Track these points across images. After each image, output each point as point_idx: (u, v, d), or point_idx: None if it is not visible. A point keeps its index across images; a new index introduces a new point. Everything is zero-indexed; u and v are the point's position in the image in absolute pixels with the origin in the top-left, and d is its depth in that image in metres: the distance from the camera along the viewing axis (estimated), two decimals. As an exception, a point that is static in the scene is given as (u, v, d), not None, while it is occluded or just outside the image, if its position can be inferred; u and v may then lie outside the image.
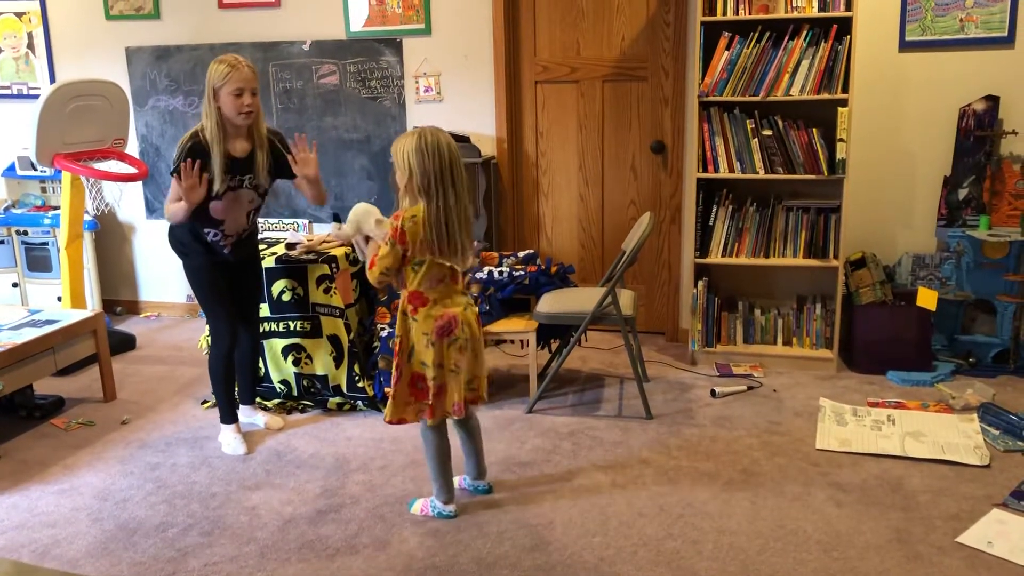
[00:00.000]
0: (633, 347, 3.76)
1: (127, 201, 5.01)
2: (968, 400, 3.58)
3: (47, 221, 4.92)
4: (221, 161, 3.13)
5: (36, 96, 4.82)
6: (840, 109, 3.81)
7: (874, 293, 4.09)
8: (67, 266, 4.29)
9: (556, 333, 4.04)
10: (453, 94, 4.68)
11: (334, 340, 3.75)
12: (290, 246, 3.94)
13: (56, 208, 4.97)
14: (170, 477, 3.21)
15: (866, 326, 4.05)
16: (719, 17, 3.93)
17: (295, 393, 3.86)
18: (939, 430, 3.36)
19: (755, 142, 3.99)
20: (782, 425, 3.50)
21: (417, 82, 4.70)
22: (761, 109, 3.98)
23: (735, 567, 2.53)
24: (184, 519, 2.89)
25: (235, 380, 3.52)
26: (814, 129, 3.90)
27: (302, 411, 3.80)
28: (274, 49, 4.84)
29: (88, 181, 4.40)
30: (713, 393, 3.83)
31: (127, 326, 5.13)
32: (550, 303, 3.73)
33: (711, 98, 3.98)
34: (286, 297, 3.76)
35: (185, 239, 3.30)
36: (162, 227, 4.00)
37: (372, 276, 2.71)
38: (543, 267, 4.03)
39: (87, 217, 4.69)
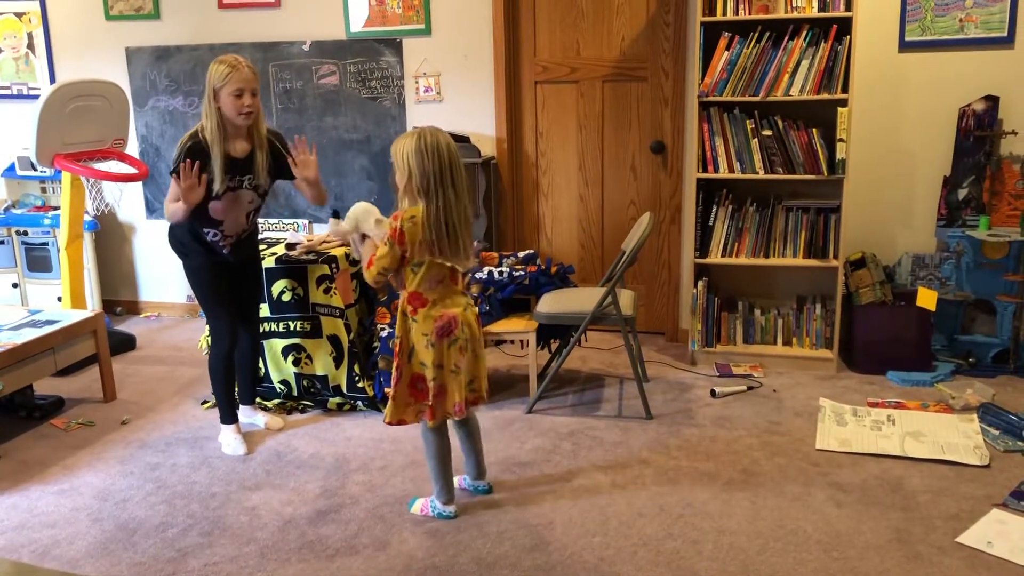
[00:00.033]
0: (633, 347, 3.76)
1: (127, 201, 5.01)
2: (968, 400, 3.59)
3: (47, 221, 4.92)
4: (221, 161, 3.13)
5: (36, 96, 4.82)
6: (840, 109, 3.81)
7: (874, 293, 4.09)
8: (67, 266, 4.29)
9: (556, 333, 4.04)
10: (453, 94, 4.68)
11: (334, 340, 3.75)
12: (290, 246, 3.94)
13: (56, 208, 4.97)
14: (170, 477, 3.21)
15: (866, 326, 4.06)
16: (719, 17, 3.93)
17: (295, 393, 3.86)
18: (939, 430, 3.37)
19: (755, 142, 3.99)
20: (782, 425, 3.50)
21: (417, 82, 4.70)
22: (761, 109, 3.98)
23: (735, 567, 2.53)
24: (184, 519, 2.89)
25: (235, 380, 3.52)
26: (814, 129, 3.90)
27: (302, 411, 3.80)
28: (274, 49, 4.84)
29: (88, 181, 4.40)
30: (713, 393, 3.83)
31: (127, 326, 5.13)
32: (550, 303, 3.73)
33: (711, 98, 3.98)
34: (286, 297, 3.76)
35: (185, 239, 3.30)
36: (162, 227, 4.00)
37: (369, 276, 2.71)
38: (543, 267, 4.03)
39: (87, 217, 4.69)
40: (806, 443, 3.33)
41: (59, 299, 4.66)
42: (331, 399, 3.79)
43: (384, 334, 3.74)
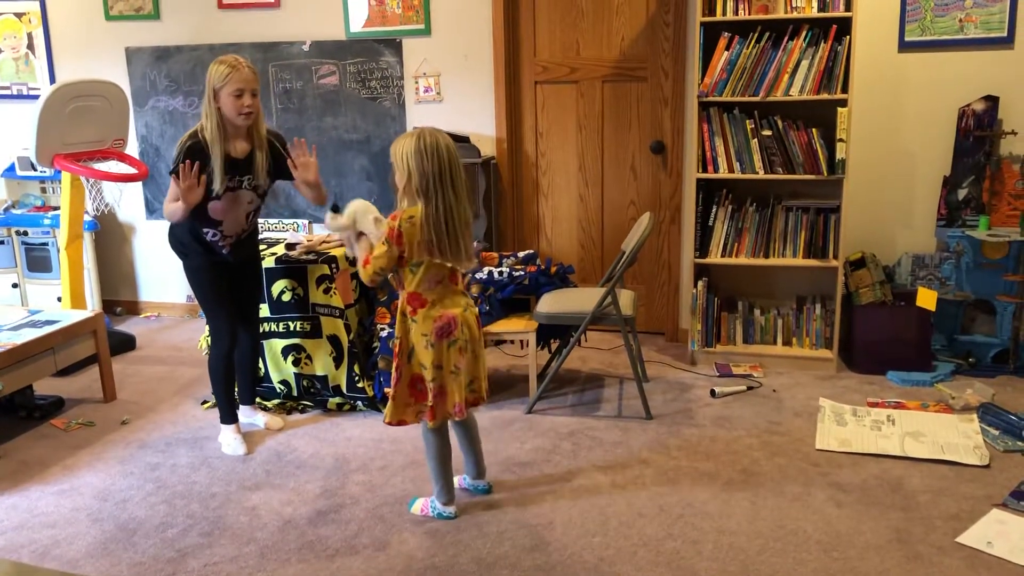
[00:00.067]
0: (633, 347, 3.76)
1: (127, 201, 5.01)
2: (968, 400, 3.59)
3: (47, 221, 4.92)
4: (221, 162, 3.13)
5: (36, 96, 4.82)
6: (840, 109, 3.81)
7: (874, 293, 4.09)
8: (67, 266, 4.29)
9: (556, 333, 4.04)
10: (453, 94, 4.68)
11: (334, 340, 3.75)
12: (290, 246, 3.94)
13: (56, 208, 4.97)
14: (170, 477, 3.21)
15: (866, 326, 4.06)
16: (719, 17, 3.93)
17: (295, 393, 3.86)
18: (939, 430, 3.37)
19: (755, 142, 3.99)
20: (782, 425, 3.50)
21: (417, 82, 4.70)
22: (761, 109, 3.98)
23: (735, 567, 2.53)
24: (184, 519, 2.89)
25: (235, 380, 3.52)
26: (814, 129, 3.90)
27: (302, 411, 3.80)
28: (274, 49, 4.84)
29: (88, 181, 4.40)
30: (713, 393, 3.83)
31: (127, 326, 5.13)
32: (550, 303, 3.73)
33: (711, 98, 3.98)
34: (286, 297, 3.76)
35: (185, 239, 3.30)
36: (162, 227, 4.00)
37: (365, 275, 2.71)
38: (543, 267, 4.03)
39: (87, 217, 4.69)
40: (806, 443, 3.33)
41: (59, 299, 4.66)
42: (331, 399, 3.79)
43: (384, 334, 3.74)
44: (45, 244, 5.02)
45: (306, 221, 5.03)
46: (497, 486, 3.05)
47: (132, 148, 4.87)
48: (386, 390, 3.53)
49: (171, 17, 4.97)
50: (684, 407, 3.72)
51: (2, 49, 5.26)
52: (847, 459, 3.19)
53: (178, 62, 5.00)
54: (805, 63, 3.85)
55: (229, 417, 3.46)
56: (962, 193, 4.07)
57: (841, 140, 3.83)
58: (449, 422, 2.86)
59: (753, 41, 3.89)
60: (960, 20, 3.99)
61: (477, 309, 2.83)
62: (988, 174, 4.04)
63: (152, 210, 5.26)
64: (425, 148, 2.56)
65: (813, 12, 3.81)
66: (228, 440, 3.43)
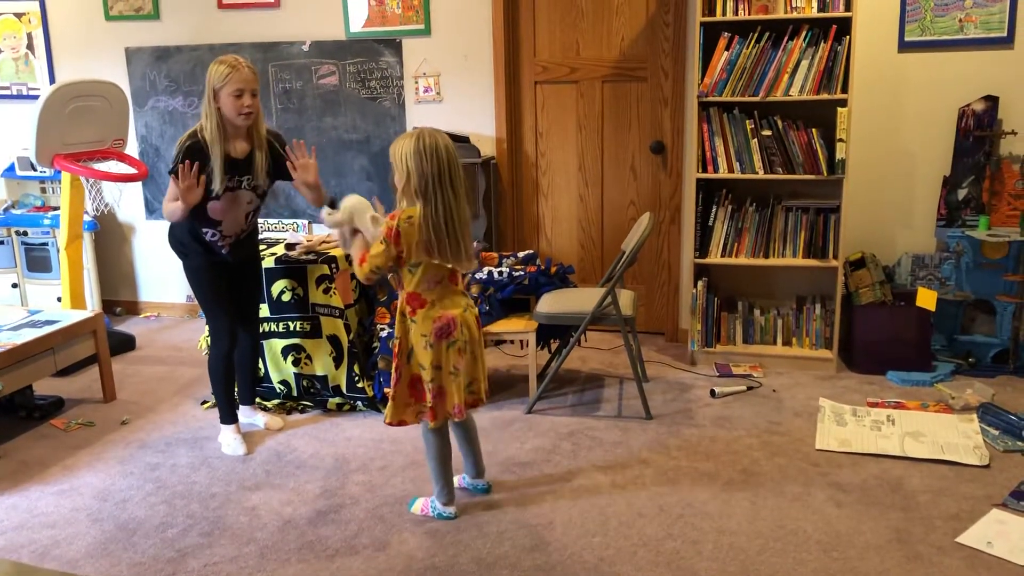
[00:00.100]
0: (633, 347, 3.76)
1: (127, 202, 5.01)
2: (968, 400, 3.59)
3: (47, 221, 4.92)
4: (221, 162, 3.13)
5: (36, 97, 4.82)
6: (839, 109, 3.81)
7: (874, 293, 4.09)
8: (67, 266, 4.29)
9: (556, 333, 4.04)
10: (453, 94, 4.68)
11: (334, 340, 3.75)
12: (290, 246, 3.94)
13: (56, 208, 4.97)
14: (170, 477, 3.21)
15: (866, 326, 4.06)
16: (718, 17, 3.93)
17: (295, 393, 3.86)
18: (939, 430, 3.37)
19: (754, 142, 3.99)
20: (782, 425, 3.50)
21: (417, 82, 4.70)
22: (760, 109, 3.98)
23: (735, 567, 2.53)
24: (184, 519, 2.89)
25: (235, 380, 3.52)
26: (813, 129, 3.90)
27: (302, 411, 3.80)
28: (274, 49, 4.84)
29: (88, 181, 4.40)
30: (713, 393, 3.83)
31: (127, 326, 5.13)
32: (550, 303, 3.73)
33: (711, 98, 3.98)
34: (286, 297, 3.76)
35: (185, 239, 3.30)
36: (162, 227, 4.00)
37: (361, 273, 2.71)
38: (543, 267, 4.03)
39: (87, 217, 4.69)
40: (806, 443, 3.33)
41: (59, 299, 4.66)
42: (331, 399, 3.79)
43: (384, 334, 3.74)
44: (45, 244, 5.02)
45: (306, 221, 5.03)
46: (497, 486, 3.05)
47: (132, 148, 4.87)
48: (386, 390, 3.53)
49: (171, 17, 4.97)
50: (684, 407, 3.72)
51: (2, 49, 5.26)
52: (847, 459, 3.18)
53: (178, 62, 5.00)
54: (805, 63, 3.85)
55: (229, 417, 3.46)
56: (962, 193, 4.07)
57: (841, 140, 3.83)
58: (449, 423, 2.86)
59: (753, 41, 3.89)
60: (960, 20, 4.00)
61: (477, 310, 2.82)
62: (988, 174, 4.04)
63: (152, 210, 5.26)
64: (424, 149, 2.56)
65: (813, 12, 3.81)
66: (228, 440, 3.43)
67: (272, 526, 2.84)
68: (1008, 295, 3.95)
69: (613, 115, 4.55)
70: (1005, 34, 3.95)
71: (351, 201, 2.80)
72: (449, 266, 2.67)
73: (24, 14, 5.18)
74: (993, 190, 4.06)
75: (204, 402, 3.88)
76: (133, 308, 5.47)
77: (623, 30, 4.45)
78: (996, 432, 3.33)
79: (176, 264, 3.50)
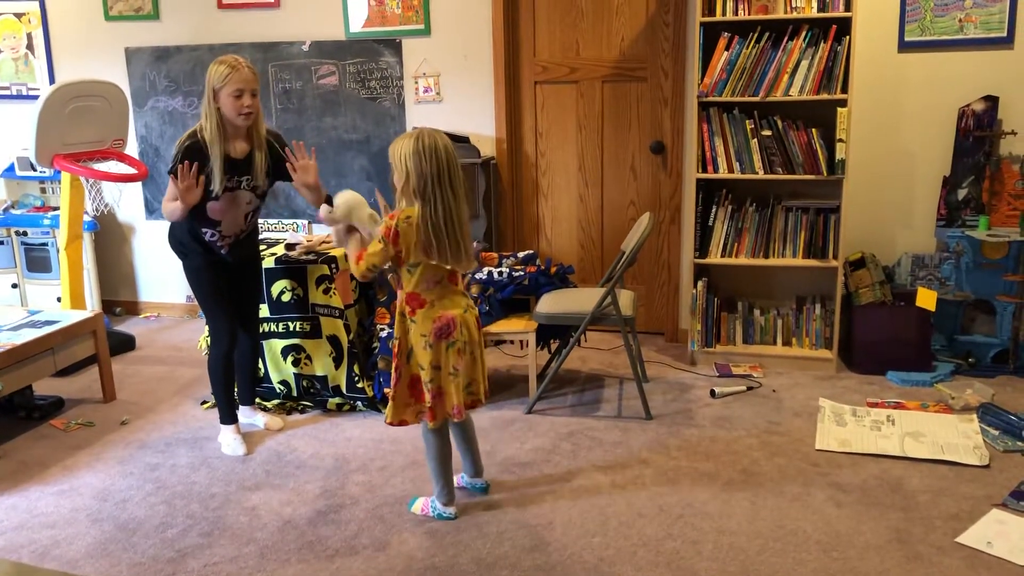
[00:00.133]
0: (633, 347, 3.76)
1: (126, 202, 5.01)
2: (967, 400, 3.59)
3: (46, 222, 4.92)
4: (220, 162, 3.12)
5: (36, 97, 4.82)
6: (839, 109, 3.81)
7: (873, 293, 4.09)
8: (66, 267, 4.29)
9: (556, 333, 4.04)
10: (452, 94, 4.68)
11: (334, 341, 3.75)
12: (290, 247, 3.94)
13: (55, 209, 4.97)
14: (170, 478, 3.20)
15: (865, 326, 4.06)
16: (718, 17, 3.93)
17: (295, 394, 3.86)
18: (939, 430, 3.37)
19: (754, 142, 3.99)
20: (782, 425, 3.50)
21: (416, 83, 4.70)
22: (760, 109, 3.98)
23: (735, 567, 2.53)
24: (184, 520, 2.89)
25: (235, 381, 3.51)
26: (813, 129, 3.90)
27: (302, 412, 3.80)
28: (273, 50, 4.84)
29: (87, 182, 4.40)
30: (713, 393, 3.83)
31: (126, 327, 5.12)
32: (550, 303, 3.73)
33: (710, 98, 3.98)
34: (286, 297, 3.76)
35: (184, 239, 3.30)
36: (161, 228, 4.01)
37: (358, 270, 2.71)
38: (543, 267, 4.03)
39: (86, 218, 4.69)
40: (806, 443, 3.32)
41: (58, 299, 4.66)
42: (331, 399, 3.79)
43: (383, 334, 3.74)
44: (45, 244, 5.02)
45: (306, 221, 5.03)
46: (497, 486, 3.05)
47: (132, 148, 4.87)
48: (386, 390, 3.53)
49: (171, 17, 4.97)
50: (684, 407, 3.72)
51: (2, 49, 5.26)
52: (847, 459, 3.18)
53: (178, 62, 5.00)
54: (805, 63, 3.85)
55: (229, 417, 3.46)
56: (962, 193, 4.07)
57: (841, 140, 3.83)
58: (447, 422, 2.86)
59: (753, 41, 3.89)
60: (960, 20, 4.00)
61: (478, 310, 2.82)
62: (988, 174, 4.04)
63: (152, 210, 5.26)
64: (423, 149, 2.56)
65: (813, 12, 3.81)
66: (228, 440, 3.43)
67: (272, 526, 2.84)
68: (1008, 295, 3.95)
69: (613, 115, 4.55)
70: (1005, 34, 3.95)
71: (346, 197, 2.80)
72: (448, 267, 2.67)
73: (24, 14, 5.18)
74: (993, 190, 4.06)
75: (204, 402, 3.88)
76: (133, 308, 5.47)
77: (623, 30, 4.45)
78: (996, 432, 3.33)
79: (176, 264, 3.50)
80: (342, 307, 3.73)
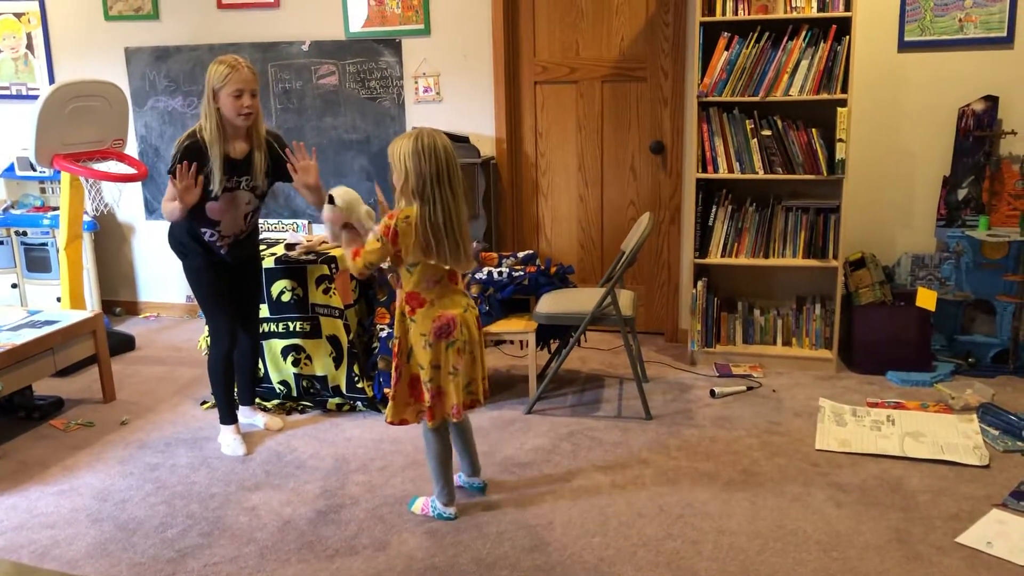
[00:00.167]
0: (632, 347, 3.76)
1: (126, 202, 5.01)
2: (967, 400, 3.59)
3: (46, 222, 4.92)
4: (220, 162, 3.12)
5: (35, 97, 4.82)
6: (839, 109, 3.81)
7: (873, 293, 4.09)
8: (66, 267, 4.29)
9: (556, 333, 4.04)
10: (452, 94, 4.68)
11: (333, 341, 3.75)
12: (289, 247, 3.94)
13: (55, 209, 4.97)
14: (169, 478, 3.20)
15: (865, 326, 4.05)
16: (718, 17, 3.93)
17: (294, 394, 3.86)
18: (938, 430, 3.37)
19: (754, 142, 3.99)
20: (782, 425, 3.50)
21: (416, 82, 4.70)
22: (760, 109, 3.98)
23: (735, 567, 2.53)
24: (183, 520, 2.89)
25: (234, 381, 3.51)
26: (813, 129, 3.90)
27: (301, 412, 3.80)
28: (273, 49, 4.84)
29: (87, 182, 4.40)
30: (713, 393, 3.83)
31: (126, 327, 5.12)
32: (550, 303, 3.73)
33: (710, 98, 3.98)
34: (286, 298, 3.76)
35: (184, 240, 3.30)
36: (161, 228, 4.00)
37: (355, 268, 2.72)
38: (542, 267, 4.03)
39: (86, 218, 4.69)
40: (806, 443, 3.32)
41: (58, 299, 4.66)
42: (331, 399, 3.79)
43: (383, 334, 3.74)
44: (44, 244, 5.02)
45: (306, 221, 5.03)
46: (497, 486, 3.05)
47: (131, 148, 4.87)
48: (386, 390, 3.53)
49: (170, 17, 4.97)
50: (684, 407, 3.72)
51: (1, 49, 5.25)
52: (847, 459, 3.18)
53: (177, 62, 4.99)
54: (805, 63, 3.85)
55: (228, 417, 3.46)
56: (962, 193, 4.07)
57: (841, 140, 3.83)
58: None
59: (753, 41, 3.89)
60: (960, 20, 3.99)
61: (478, 310, 2.82)
62: (988, 174, 4.04)
63: (151, 210, 5.25)
64: (423, 149, 2.56)
65: (813, 12, 3.81)
66: (228, 440, 3.43)
67: (272, 526, 2.84)
68: (1008, 295, 3.95)
69: (613, 115, 4.55)
70: (1005, 34, 3.95)
71: (341, 191, 2.80)
72: (447, 267, 2.67)
73: (24, 14, 5.17)
74: (993, 190, 4.06)
75: (204, 402, 3.88)
76: (133, 308, 5.47)
77: (623, 30, 4.45)
78: (996, 432, 3.33)
79: (176, 264, 3.50)
80: (342, 307, 3.73)
